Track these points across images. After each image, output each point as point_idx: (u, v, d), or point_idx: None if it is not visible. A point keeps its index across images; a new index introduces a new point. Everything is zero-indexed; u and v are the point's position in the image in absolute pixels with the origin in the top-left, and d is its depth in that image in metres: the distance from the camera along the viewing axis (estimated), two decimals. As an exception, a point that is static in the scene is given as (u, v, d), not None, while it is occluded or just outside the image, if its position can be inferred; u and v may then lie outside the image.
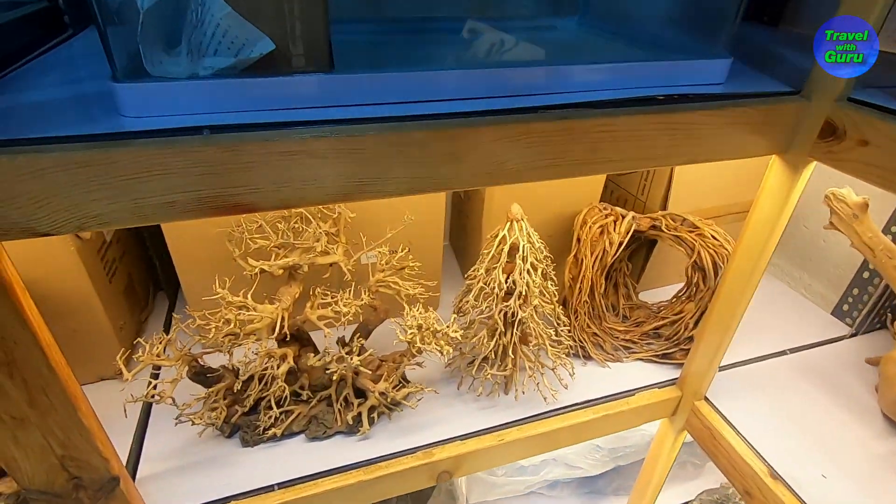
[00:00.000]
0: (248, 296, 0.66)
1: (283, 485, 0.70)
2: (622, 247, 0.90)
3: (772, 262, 0.93)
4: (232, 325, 0.63)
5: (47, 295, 0.71)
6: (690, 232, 0.89)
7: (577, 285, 0.90)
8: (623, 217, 0.91)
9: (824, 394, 0.89)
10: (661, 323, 0.95)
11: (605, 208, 0.93)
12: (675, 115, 0.51)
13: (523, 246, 0.73)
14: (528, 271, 0.74)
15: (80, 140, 0.36)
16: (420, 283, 0.78)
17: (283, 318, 0.68)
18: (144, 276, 0.97)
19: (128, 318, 0.86)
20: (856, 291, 1.02)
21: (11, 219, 0.37)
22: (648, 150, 0.52)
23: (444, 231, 0.93)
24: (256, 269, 0.67)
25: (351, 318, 0.70)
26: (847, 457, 0.78)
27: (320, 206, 0.74)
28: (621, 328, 0.97)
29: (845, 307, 1.06)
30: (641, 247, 1.05)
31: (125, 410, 0.62)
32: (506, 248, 0.73)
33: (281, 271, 0.69)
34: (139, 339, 0.63)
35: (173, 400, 0.66)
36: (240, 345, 0.66)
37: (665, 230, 0.90)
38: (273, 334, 0.66)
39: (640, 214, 0.93)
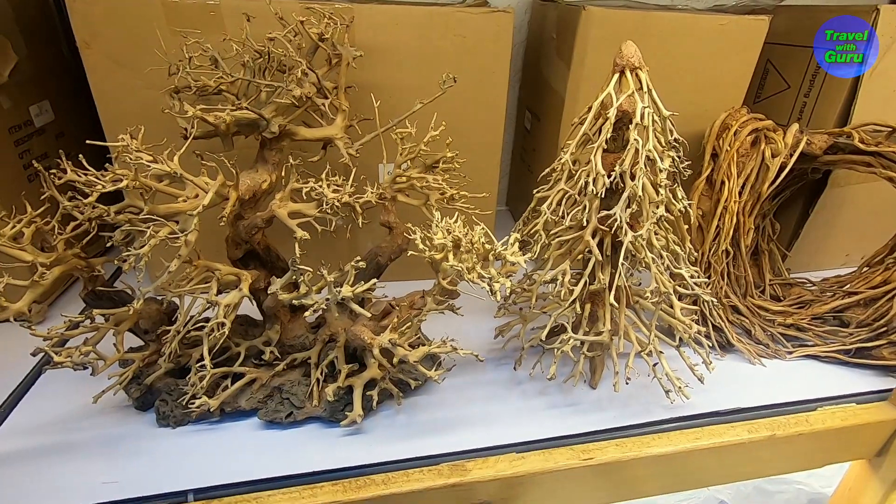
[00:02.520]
0: (175, 158, 0.39)
1: (202, 494, 0.40)
2: (786, 171, 0.56)
3: None
4: (130, 190, 0.36)
5: None
6: (908, 147, 0.55)
7: (714, 224, 0.56)
8: (784, 129, 0.58)
9: None
10: (847, 301, 0.59)
11: (752, 112, 0.60)
12: None
13: (642, 111, 0.42)
14: (649, 158, 0.42)
15: None
16: (465, 191, 0.49)
17: (225, 200, 0.40)
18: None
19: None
20: None
21: None
22: None
23: (502, 139, 0.64)
24: (191, 114, 0.40)
25: (339, 211, 0.41)
26: None
27: (310, 33, 0.46)
28: (777, 308, 0.61)
29: None
30: (797, 198, 0.70)
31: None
32: (611, 117, 0.43)
33: (231, 121, 0.41)
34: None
35: (23, 316, 0.38)
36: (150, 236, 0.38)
37: (861, 146, 0.56)
38: (197, 213, 0.38)
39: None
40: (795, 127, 0.59)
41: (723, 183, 0.56)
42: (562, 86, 0.64)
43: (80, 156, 0.38)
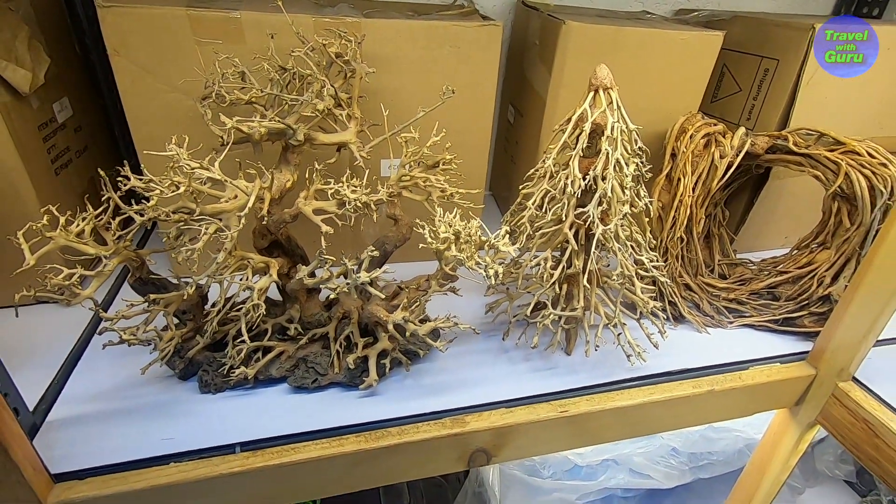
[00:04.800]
0: (216, 164, 0.46)
1: (249, 446, 0.48)
2: (732, 169, 0.66)
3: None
4: (183, 194, 0.43)
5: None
6: (832, 150, 0.65)
7: (671, 215, 0.66)
8: (734, 131, 0.68)
9: None
10: (779, 279, 0.70)
11: (707, 117, 0.70)
12: None
13: (612, 125, 0.50)
14: (618, 164, 0.51)
15: None
16: (462, 188, 0.56)
17: (261, 200, 0.47)
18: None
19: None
20: None
21: None
22: None
23: (490, 140, 0.71)
24: (230, 126, 0.46)
25: (359, 209, 0.49)
26: None
27: (326, 48, 0.52)
28: (722, 285, 0.72)
29: None
30: (744, 188, 0.81)
31: (16, 311, 0.41)
32: (586, 129, 0.51)
33: (265, 132, 0.48)
34: (49, 206, 0.43)
35: (95, 304, 0.45)
36: (197, 231, 0.44)
37: (794, 148, 0.66)
38: (244, 214, 0.45)
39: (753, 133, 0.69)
40: (742, 130, 0.68)
41: (679, 180, 0.65)
42: (543, 89, 0.71)
43: (125, 164, 0.44)
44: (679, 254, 0.68)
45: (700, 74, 0.72)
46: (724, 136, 0.66)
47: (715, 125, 0.68)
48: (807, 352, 0.64)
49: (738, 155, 0.67)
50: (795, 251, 0.72)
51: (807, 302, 0.67)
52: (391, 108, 0.58)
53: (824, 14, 1.02)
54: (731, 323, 0.69)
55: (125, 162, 0.47)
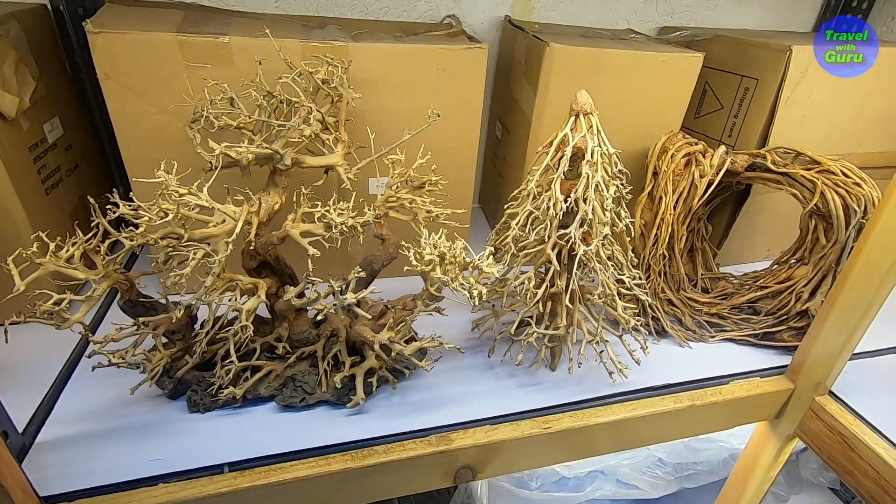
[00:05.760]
0: (205, 189, 0.47)
1: (236, 466, 0.49)
2: (713, 187, 0.68)
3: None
4: (172, 220, 0.43)
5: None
6: (808, 169, 0.66)
7: (653, 233, 0.67)
8: (714, 150, 0.69)
9: None
10: (759, 294, 0.71)
11: (688, 137, 0.71)
12: None
13: (592, 149, 0.52)
14: (599, 186, 0.52)
15: None
16: (447, 209, 0.58)
17: (249, 225, 0.48)
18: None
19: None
20: None
21: None
22: None
23: (476, 159, 0.72)
24: (218, 153, 0.47)
25: (346, 232, 0.50)
26: None
27: (312, 75, 0.54)
28: (704, 300, 0.74)
29: None
30: (725, 204, 0.83)
31: (5, 334, 0.42)
32: (567, 153, 0.52)
33: (252, 158, 0.49)
34: (38, 232, 0.43)
35: (85, 328, 0.46)
36: (185, 256, 0.45)
37: (772, 167, 0.68)
38: (232, 240, 0.46)
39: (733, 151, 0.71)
40: (722, 149, 0.70)
41: (661, 198, 0.66)
42: (529, 108, 0.73)
43: (115, 192, 0.45)
44: (662, 270, 0.70)
45: (681, 94, 0.73)
46: (704, 156, 0.68)
47: (695, 144, 0.69)
48: (786, 366, 0.66)
49: (718, 173, 0.68)
50: (775, 266, 0.74)
51: (786, 317, 0.68)
52: (379, 129, 0.59)
53: (804, 30, 1.04)
54: (713, 337, 0.70)
55: (115, 189, 0.47)
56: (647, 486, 0.89)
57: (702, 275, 0.79)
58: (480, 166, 1.01)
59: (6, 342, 0.42)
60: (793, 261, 0.71)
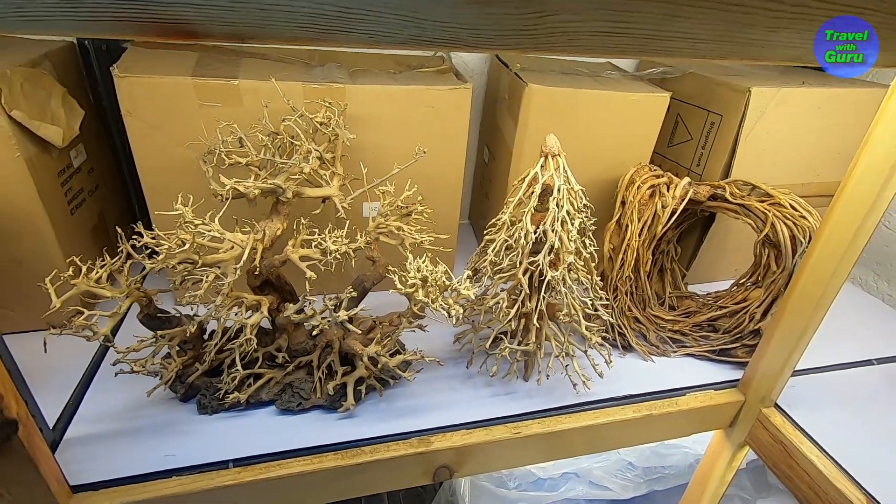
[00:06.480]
0: (216, 220, 0.53)
1: (240, 462, 0.56)
2: (675, 215, 0.75)
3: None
4: (188, 249, 0.50)
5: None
6: (762, 202, 0.73)
7: (619, 257, 0.74)
8: (678, 181, 0.76)
9: (928, 413, 0.71)
10: (718, 313, 0.78)
11: (655, 169, 0.78)
12: None
13: (559, 187, 0.59)
14: (564, 220, 0.59)
15: None
16: (431, 234, 0.64)
17: (255, 251, 0.55)
18: (123, 220, 0.86)
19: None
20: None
21: None
22: None
23: (461, 188, 0.79)
24: (228, 188, 0.54)
25: (339, 258, 0.56)
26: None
27: (312, 119, 0.61)
28: (668, 317, 0.80)
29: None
30: (694, 227, 0.89)
31: (45, 345, 0.49)
32: (537, 190, 0.59)
33: (258, 192, 0.56)
34: (73, 257, 0.50)
35: (108, 339, 0.53)
36: (198, 277, 0.52)
37: (730, 198, 0.75)
38: (240, 266, 0.53)
39: (697, 182, 0.78)
40: (686, 181, 0.77)
41: (627, 226, 0.73)
42: (511, 139, 0.80)
43: (139, 224, 0.52)
44: (628, 290, 0.77)
45: (649, 130, 0.80)
46: (668, 188, 0.75)
47: (661, 176, 0.76)
48: (738, 380, 0.73)
49: (681, 202, 0.75)
50: (734, 287, 0.80)
51: (740, 335, 0.75)
52: (373, 161, 0.66)
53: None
54: (675, 352, 0.77)
55: (132, 206, 0.54)
56: (619, 487, 0.95)
57: (669, 293, 0.86)
58: (470, 186, 1.08)
59: (45, 352, 0.49)
60: (748, 284, 0.77)
